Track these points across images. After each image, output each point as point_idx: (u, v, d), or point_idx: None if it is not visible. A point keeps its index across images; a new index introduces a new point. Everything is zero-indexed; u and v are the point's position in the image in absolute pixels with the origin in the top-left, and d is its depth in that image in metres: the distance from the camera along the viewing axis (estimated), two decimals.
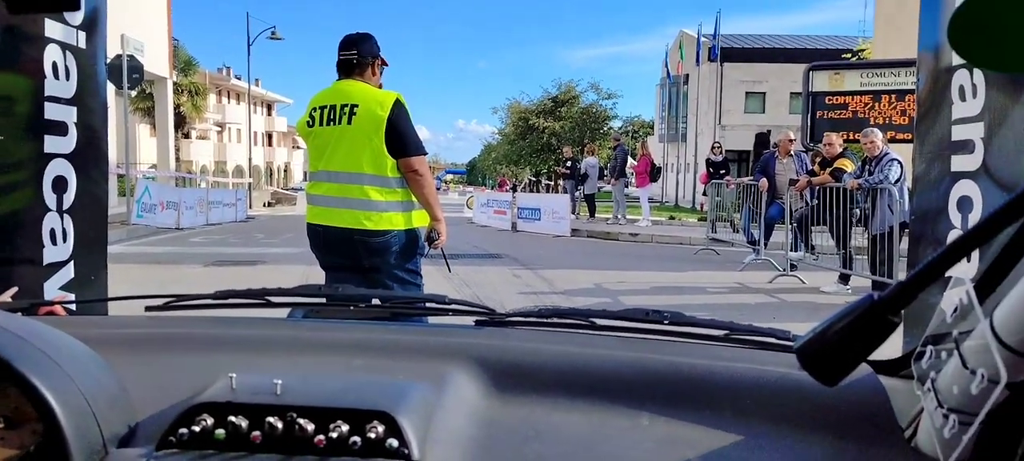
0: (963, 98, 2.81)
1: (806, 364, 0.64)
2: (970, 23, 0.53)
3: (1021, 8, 0.52)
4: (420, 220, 3.39)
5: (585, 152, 17.87)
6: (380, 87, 3.45)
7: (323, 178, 3.37)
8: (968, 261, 2.60)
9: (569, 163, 18.08)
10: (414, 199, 3.35)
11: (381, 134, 3.21)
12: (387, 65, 3.52)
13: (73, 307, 1.73)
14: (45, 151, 2.84)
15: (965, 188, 2.83)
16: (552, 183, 18.96)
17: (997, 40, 0.54)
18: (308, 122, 3.42)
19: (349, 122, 3.26)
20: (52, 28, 2.80)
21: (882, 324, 0.59)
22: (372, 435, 0.86)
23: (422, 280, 3.47)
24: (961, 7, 0.53)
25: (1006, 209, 0.54)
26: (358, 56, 3.36)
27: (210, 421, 0.88)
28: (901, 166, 7.16)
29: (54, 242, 2.91)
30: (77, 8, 2.26)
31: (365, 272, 3.34)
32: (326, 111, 3.35)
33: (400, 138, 3.24)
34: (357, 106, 3.26)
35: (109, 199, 3.64)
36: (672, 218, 18.92)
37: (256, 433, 0.87)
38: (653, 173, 16.46)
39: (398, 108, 3.26)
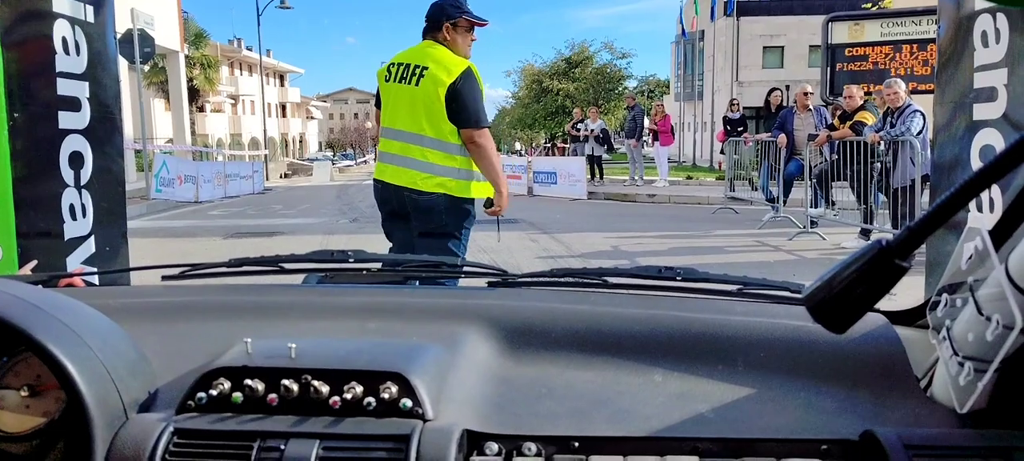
0: (986, 44, 2.74)
1: (813, 312, 0.63)
2: None
3: None
4: (479, 191, 3.41)
5: (591, 114, 17.65)
6: (460, 49, 3.40)
7: (390, 136, 3.43)
8: (991, 211, 2.55)
9: (579, 125, 17.94)
10: (475, 169, 3.37)
11: (442, 100, 3.24)
12: (479, 24, 3.46)
13: (93, 279, 1.76)
14: (60, 127, 2.86)
15: (988, 136, 2.77)
16: (564, 146, 18.77)
17: None
18: (385, 75, 3.47)
19: (417, 83, 3.31)
20: (60, 3, 2.81)
21: (891, 269, 0.58)
22: (386, 395, 0.87)
23: (465, 251, 3.46)
24: None
25: (1015, 149, 0.52)
26: (428, 19, 3.40)
27: (227, 385, 0.89)
28: (924, 117, 7.01)
29: (74, 217, 2.95)
30: None
31: (419, 236, 3.39)
32: (401, 69, 3.40)
33: (462, 107, 3.25)
34: (427, 69, 3.30)
35: (128, 174, 3.68)
36: (689, 178, 18.77)
37: (272, 396, 0.88)
38: (671, 132, 16.33)
39: (464, 77, 3.25)
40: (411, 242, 3.38)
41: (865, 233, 7.77)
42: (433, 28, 3.38)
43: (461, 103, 3.24)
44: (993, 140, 2.75)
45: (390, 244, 3.51)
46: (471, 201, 3.39)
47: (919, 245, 0.57)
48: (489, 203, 3.44)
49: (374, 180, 3.54)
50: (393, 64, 3.44)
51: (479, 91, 3.31)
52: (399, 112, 3.38)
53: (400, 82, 3.36)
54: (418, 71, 3.32)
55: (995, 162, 0.55)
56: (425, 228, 3.36)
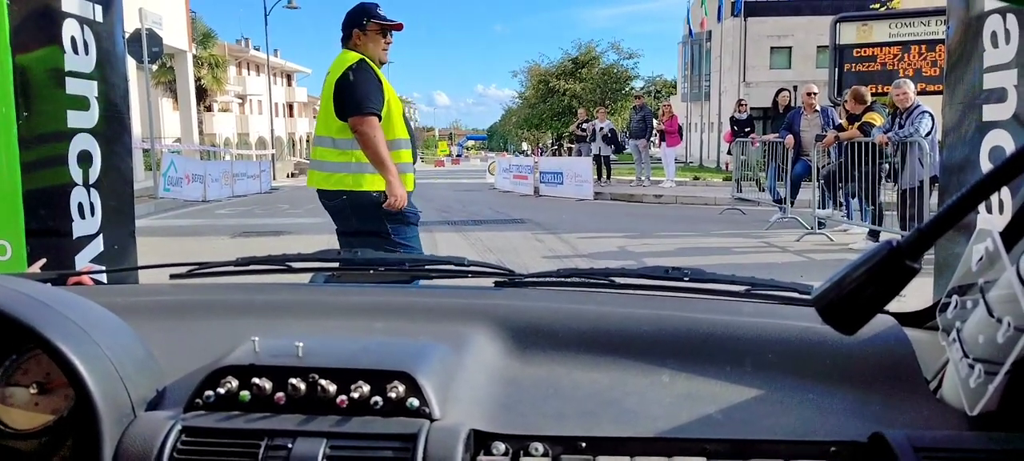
0: (995, 45, 2.72)
1: (823, 313, 0.63)
2: None
3: None
4: (374, 183, 3.31)
5: (599, 114, 17.63)
6: (372, 53, 3.41)
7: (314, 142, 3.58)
8: (1001, 214, 2.54)
9: (584, 125, 17.91)
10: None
11: (331, 96, 3.31)
12: (393, 28, 3.47)
13: (101, 278, 1.76)
14: (69, 126, 2.88)
15: (997, 137, 2.76)
16: (572, 147, 18.77)
17: None
18: None
19: (323, 89, 3.43)
20: (69, 3, 2.82)
21: (902, 270, 0.58)
22: (393, 395, 0.87)
23: (407, 250, 3.38)
24: None
25: None
26: (343, 26, 3.48)
27: (235, 383, 0.89)
28: (932, 118, 6.97)
29: (83, 216, 2.97)
30: None
31: (358, 235, 3.44)
32: (325, 79, 3.51)
33: (345, 98, 3.27)
34: (330, 73, 3.40)
35: (136, 173, 3.71)
36: (696, 178, 18.72)
37: (280, 394, 0.88)
38: (679, 132, 16.32)
39: (347, 70, 3.28)
40: (353, 245, 3.40)
41: (874, 234, 7.74)
42: (346, 37, 3.46)
43: (344, 94, 3.26)
44: (1003, 141, 2.73)
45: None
46: (378, 194, 3.29)
47: (930, 246, 0.57)
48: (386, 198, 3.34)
49: None
50: None
51: (367, 80, 3.27)
52: (317, 119, 3.52)
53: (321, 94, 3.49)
54: (326, 79, 3.42)
55: (1006, 163, 0.55)
56: (344, 228, 3.45)
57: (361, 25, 3.41)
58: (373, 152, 3.24)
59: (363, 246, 3.21)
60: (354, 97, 3.26)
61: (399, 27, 3.50)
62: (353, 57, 3.34)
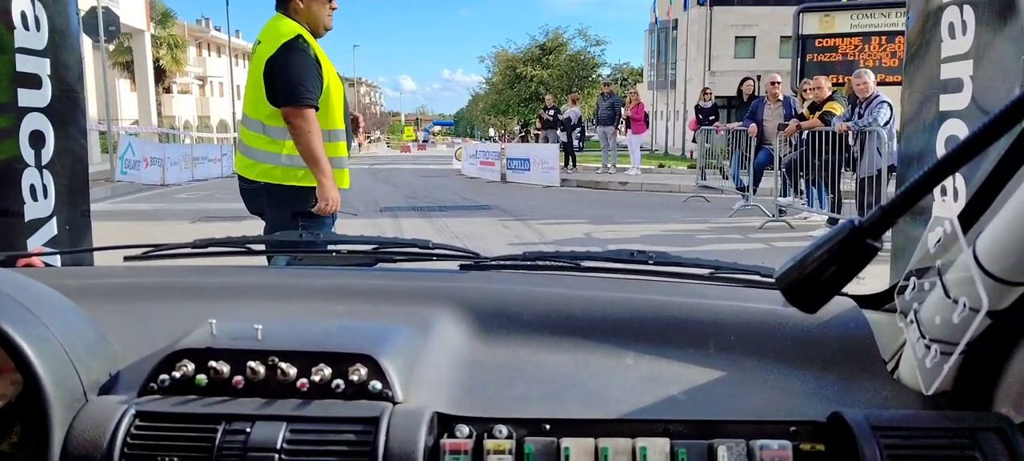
0: (953, 36, 2.79)
1: (786, 292, 0.63)
2: None
3: None
4: (305, 179, 2.96)
5: (569, 102, 17.67)
6: (317, 17, 3.02)
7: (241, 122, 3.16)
8: (955, 200, 2.61)
9: (552, 112, 17.94)
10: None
11: (261, 75, 2.90)
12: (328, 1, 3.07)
13: (54, 261, 1.71)
14: (20, 105, 2.78)
15: (953, 127, 2.83)
16: (538, 133, 18.81)
17: None
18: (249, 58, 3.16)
19: (252, 63, 3.00)
20: None
21: (863, 249, 0.58)
22: (355, 378, 0.86)
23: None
24: None
25: (984, 131, 0.53)
26: None
27: (191, 367, 0.87)
28: (891, 108, 7.14)
29: (35, 198, 2.87)
30: None
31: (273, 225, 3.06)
32: (254, 47, 3.09)
33: (277, 82, 2.86)
34: (260, 44, 2.97)
35: (91, 156, 3.58)
36: (661, 166, 18.89)
37: (238, 378, 0.86)
38: (646, 120, 16.43)
39: (285, 48, 2.86)
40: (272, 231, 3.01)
41: (833, 221, 7.91)
42: (281, 1, 3.01)
43: (277, 77, 2.85)
44: (958, 131, 2.80)
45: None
46: (307, 191, 2.94)
47: (891, 225, 0.57)
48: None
49: None
50: (255, 44, 3.08)
51: (304, 63, 2.87)
52: (245, 95, 3.07)
53: (249, 62, 3.05)
54: (256, 46, 2.99)
55: (963, 145, 0.56)
56: (267, 221, 3.04)
57: None
58: (306, 148, 2.87)
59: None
60: (288, 82, 2.85)
61: None
62: (289, 29, 2.90)
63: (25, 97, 2.80)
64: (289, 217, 2.98)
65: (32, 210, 2.87)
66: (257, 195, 3.05)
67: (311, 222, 3.00)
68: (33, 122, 2.84)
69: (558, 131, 17.02)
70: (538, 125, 19.10)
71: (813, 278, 0.60)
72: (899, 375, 0.94)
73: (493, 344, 1.04)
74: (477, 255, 1.32)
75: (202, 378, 0.86)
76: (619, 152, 16.68)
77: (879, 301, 1.11)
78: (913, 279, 0.88)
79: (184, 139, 25.47)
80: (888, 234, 0.64)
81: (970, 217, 0.76)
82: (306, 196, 2.96)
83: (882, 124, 7.09)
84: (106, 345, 0.94)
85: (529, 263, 1.30)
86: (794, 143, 8.57)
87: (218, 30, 50.53)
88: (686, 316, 1.07)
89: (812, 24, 11.70)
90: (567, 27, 46.94)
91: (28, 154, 2.83)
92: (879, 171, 6.96)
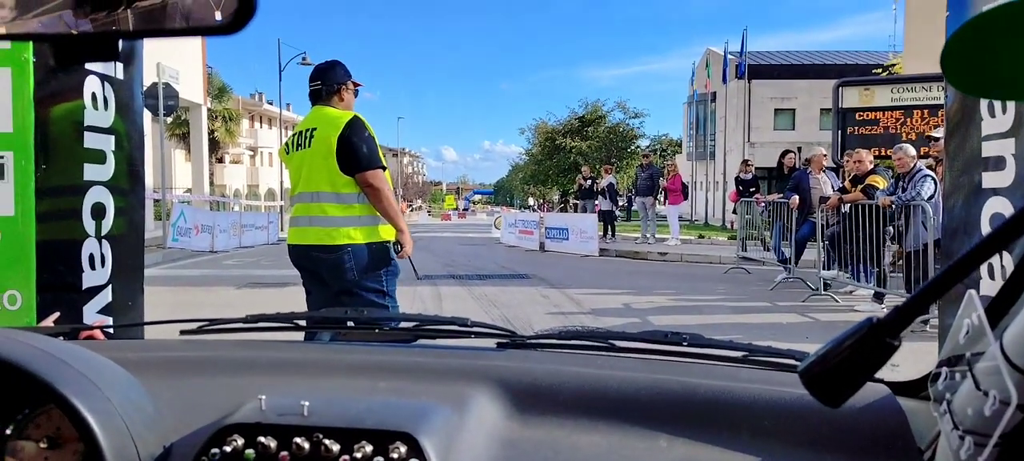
0: (993, 114, 2.78)
1: (809, 386, 0.65)
2: (962, 52, 0.55)
3: (1012, 37, 0.54)
4: (387, 233, 3.47)
5: (604, 171, 17.82)
6: (350, 107, 3.59)
7: (296, 200, 3.58)
8: (1004, 279, 2.55)
9: (589, 181, 18.08)
10: (378, 214, 3.46)
11: (333, 153, 3.36)
12: (360, 86, 3.70)
13: (111, 331, 1.79)
14: (85, 179, 2.94)
15: (997, 204, 2.79)
16: (576, 203, 18.95)
17: (991, 69, 0.55)
18: (285, 149, 3.67)
19: (309, 145, 3.46)
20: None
21: (881, 347, 0.60)
22: (395, 456, 0.89)
23: (391, 301, 3.48)
24: (952, 38, 0.54)
25: (1007, 227, 0.55)
26: (323, 85, 3.55)
27: (240, 442, 0.91)
28: (935, 182, 7.03)
29: (93, 267, 3.00)
30: (117, 58, 2.35)
31: (336, 295, 3.41)
32: (297, 137, 3.57)
33: (351, 154, 3.36)
34: (316, 129, 3.46)
35: (146, 224, 3.75)
36: (701, 236, 18.75)
37: (284, 453, 0.90)
38: (684, 191, 16.43)
39: (351, 126, 3.38)
40: (329, 302, 3.40)
41: (878, 296, 7.72)
42: (330, 92, 3.54)
43: (351, 149, 3.36)
44: (1002, 208, 2.76)
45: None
46: (384, 247, 3.44)
47: (909, 324, 0.59)
48: (396, 249, 3.51)
49: (288, 245, 3.63)
50: (290, 138, 3.64)
51: (369, 135, 3.42)
52: (300, 177, 3.53)
53: (298, 150, 3.53)
54: (309, 134, 3.48)
55: (990, 238, 0.57)
56: (342, 286, 3.41)
57: (346, 83, 3.58)
58: (387, 205, 3.41)
59: (355, 304, 3.25)
60: (365, 151, 3.38)
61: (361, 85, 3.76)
62: (344, 112, 3.47)
63: (90, 172, 2.96)
64: (359, 279, 3.38)
65: (89, 278, 3.00)
66: (338, 263, 3.40)
67: (386, 270, 3.46)
68: (95, 195, 3.00)
69: (595, 200, 17.11)
70: (577, 194, 19.25)
71: (835, 373, 0.61)
72: None
73: (529, 423, 1.06)
74: (514, 333, 1.35)
75: (251, 453, 0.90)
76: (659, 222, 16.65)
77: (915, 389, 1.10)
78: (945, 368, 0.89)
79: (233, 207, 26.26)
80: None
81: (999, 308, 0.76)
82: (382, 252, 3.44)
83: (926, 198, 6.97)
84: (161, 419, 0.99)
85: (564, 342, 1.32)
86: (836, 218, 8.46)
87: (270, 103, 52.59)
88: (719, 399, 1.08)
89: (852, 97, 11.67)
90: (606, 100, 47.63)
91: (90, 225, 2.98)
92: (925, 245, 6.81)
